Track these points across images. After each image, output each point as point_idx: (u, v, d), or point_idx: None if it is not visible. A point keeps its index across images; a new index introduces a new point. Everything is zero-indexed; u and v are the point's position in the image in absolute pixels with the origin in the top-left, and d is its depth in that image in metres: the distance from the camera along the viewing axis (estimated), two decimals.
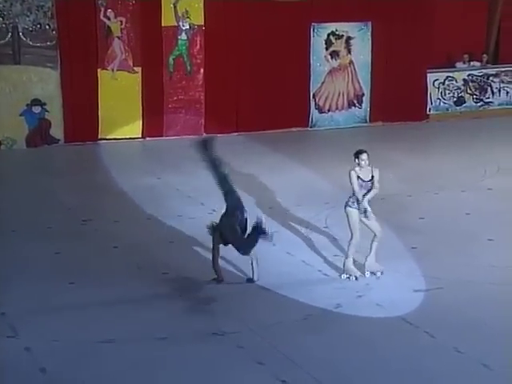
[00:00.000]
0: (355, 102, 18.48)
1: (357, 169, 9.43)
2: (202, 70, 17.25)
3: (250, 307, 8.87)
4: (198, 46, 17.13)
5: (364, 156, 9.41)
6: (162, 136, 17.13)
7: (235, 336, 8.14)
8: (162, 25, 16.90)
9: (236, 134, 17.39)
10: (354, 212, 9.47)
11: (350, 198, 9.55)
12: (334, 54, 18.17)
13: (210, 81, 17.25)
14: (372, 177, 9.44)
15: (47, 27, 16.29)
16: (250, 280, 9.52)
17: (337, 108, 18.40)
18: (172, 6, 16.87)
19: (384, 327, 8.33)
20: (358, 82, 18.39)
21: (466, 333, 8.10)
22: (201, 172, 14.37)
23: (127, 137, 16.94)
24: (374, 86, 18.30)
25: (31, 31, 16.17)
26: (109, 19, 16.61)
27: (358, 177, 9.42)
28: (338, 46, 18.15)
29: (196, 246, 10.75)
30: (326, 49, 18.08)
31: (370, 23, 18.03)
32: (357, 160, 9.46)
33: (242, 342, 8.01)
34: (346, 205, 9.54)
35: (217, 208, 12.27)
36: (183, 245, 10.84)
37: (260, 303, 8.99)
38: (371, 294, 9.13)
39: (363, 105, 18.48)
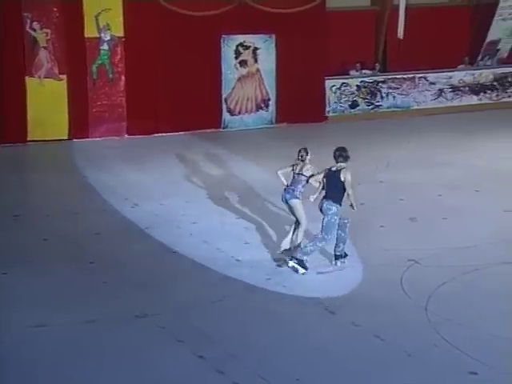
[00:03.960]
0: (262, 105, 18.55)
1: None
2: (123, 78, 17.06)
3: (170, 290, 8.77)
4: (119, 56, 16.95)
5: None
6: (87, 137, 16.86)
7: (157, 317, 8.04)
8: (85, 36, 16.64)
9: (156, 135, 17.24)
10: (300, 203, 9.46)
11: (294, 190, 9.45)
12: (243, 63, 18.19)
13: (130, 87, 17.07)
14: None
15: None
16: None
17: (246, 111, 18.44)
18: (94, 18, 16.62)
19: (290, 306, 8.37)
20: (265, 88, 18.48)
21: (362, 309, 8.21)
22: (124, 169, 14.33)
23: (55, 138, 16.58)
24: (279, 91, 18.40)
25: None
26: (34, 30, 16.27)
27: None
28: (246, 55, 18.18)
29: (120, 237, 10.60)
30: (236, 58, 18.08)
31: (273, 35, 18.12)
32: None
33: (162, 322, 7.93)
34: (293, 197, 9.45)
35: (139, 203, 12.21)
36: (109, 236, 10.67)
37: (180, 286, 8.90)
38: (279, 276, 9.16)
39: (269, 108, 18.56)
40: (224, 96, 18.11)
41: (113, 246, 10.28)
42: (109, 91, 16.99)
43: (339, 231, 9.28)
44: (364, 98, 19.46)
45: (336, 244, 9.38)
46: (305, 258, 9.17)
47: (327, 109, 19.08)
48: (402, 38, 19.37)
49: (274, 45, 18.20)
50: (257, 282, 8.95)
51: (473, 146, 15.83)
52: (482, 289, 8.63)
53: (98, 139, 16.75)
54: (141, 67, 17.00)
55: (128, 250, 10.06)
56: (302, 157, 9.57)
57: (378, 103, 19.55)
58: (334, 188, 9.18)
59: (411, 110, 19.62)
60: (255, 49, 18.16)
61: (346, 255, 9.49)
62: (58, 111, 16.56)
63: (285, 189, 9.63)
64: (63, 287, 8.89)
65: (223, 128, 18.18)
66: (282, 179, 9.69)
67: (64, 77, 16.65)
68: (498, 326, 7.64)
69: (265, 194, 12.55)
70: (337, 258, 9.46)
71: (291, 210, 9.64)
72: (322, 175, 9.35)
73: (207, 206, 12.02)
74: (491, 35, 20.29)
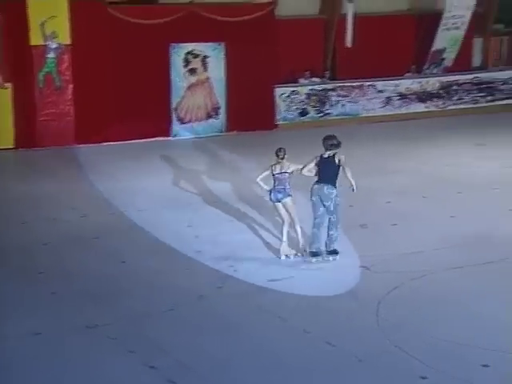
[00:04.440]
0: (212, 113, 18.56)
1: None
2: (70, 86, 16.91)
3: (121, 300, 8.70)
4: (66, 64, 16.80)
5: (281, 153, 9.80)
6: (34, 147, 16.62)
7: (107, 328, 7.97)
8: (31, 44, 16.45)
9: (105, 143, 17.09)
10: (292, 199, 9.80)
11: (285, 189, 9.72)
12: (192, 71, 18.17)
13: (79, 95, 16.93)
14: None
15: None
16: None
17: (196, 119, 18.41)
18: (40, 26, 16.43)
19: (242, 314, 8.37)
20: (215, 96, 18.48)
21: (313, 315, 8.26)
22: (72, 179, 14.18)
23: (0, 147, 16.33)
24: (229, 99, 18.43)
25: None
26: None
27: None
28: (196, 64, 18.17)
29: (69, 247, 10.48)
30: (185, 66, 18.06)
31: (223, 43, 18.16)
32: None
33: (113, 333, 7.85)
34: (287, 195, 9.74)
35: (88, 212, 12.09)
36: (58, 246, 10.54)
37: (131, 296, 8.83)
38: (230, 285, 9.16)
39: (220, 116, 18.57)
40: (174, 104, 18.07)
41: (62, 255, 10.16)
42: (56, 100, 16.82)
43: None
44: (314, 106, 19.63)
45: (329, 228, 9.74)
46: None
47: (277, 117, 19.20)
48: (350, 46, 19.66)
49: (223, 53, 18.24)
50: (209, 291, 8.94)
51: (419, 153, 16.10)
52: (429, 294, 8.77)
53: (45, 148, 16.53)
54: (89, 75, 16.86)
55: (77, 260, 9.96)
56: (279, 156, 9.80)
57: (327, 111, 19.74)
58: (330, 172, 9.54)
59: (360, 117, 19.87)
60: (205, 57, 18.17)
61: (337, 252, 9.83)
62: (2, 120, 16.34)
63: (271, 190, 9.86)
64: (10, 298, 8.74)
65: (173, 137, 18.14)
66: (262, 185, 9.98)
67: (9, 85, 16.46)
68: (444, 330, 7.77)
69: (216, 202, 12.56)
70: (330, 253, 9.79)
71: (283, 209, 9.87)
72: (314, 163, 9.63)
73: (158, 215, 11.96)
74: (436, 44, 20.68)
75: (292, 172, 9.84)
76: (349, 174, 9.62)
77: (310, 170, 9.71)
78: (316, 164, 9.65)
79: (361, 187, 10.95)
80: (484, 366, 7.12)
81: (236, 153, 16.32)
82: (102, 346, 7.61)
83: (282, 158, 9.83)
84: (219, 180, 14.01)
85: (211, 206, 12.33)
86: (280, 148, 9.92)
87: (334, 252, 9.80)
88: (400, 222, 11.33)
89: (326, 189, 9.56)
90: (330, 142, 9.62)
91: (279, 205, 9.91)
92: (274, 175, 9.88)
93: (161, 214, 11.96)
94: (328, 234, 9.81)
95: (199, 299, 8.72)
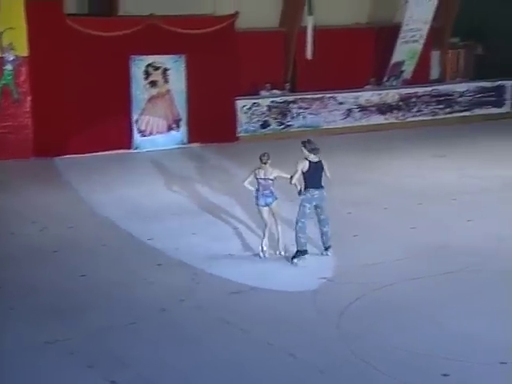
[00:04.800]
0: (174, 126, 18.51)
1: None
2: (28, 98, 16.72)
3: (81, 314, 8.60)
4: (24, 76, 16.62)
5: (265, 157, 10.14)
6: None
7: (67, 343, 7.86)
8: None
9: (65, 156, 16.92)
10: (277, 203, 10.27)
11: (272, 193, 10.11)
12: (153, 84, 18.12)
13: (37, 108, 16.74)
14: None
15: None
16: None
17: (157, 131, 18.35)
18: None
19: (205, 327, 8.34)
20: (176, 108, 18.44)
21: (276, 327, 8.26)
22: (30, 192, 14.00)
23: None
24: (190, 111, 18.40)
25: None
26: None
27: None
28: (156, 76, 18.12)
29: (28, 261, 10.33)
30: (145, 79, 18.00)
31: (183, 56, 18.15)
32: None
33: (73, 347, 7.75)
34: (274, 198, 10.15)
35: (47, 225, 11.94)
36: (16, 260, 10.39)
37: (91, 310, 8.73)
38: (192, 298, 9.12)
39: (181, 128, 18.53)
40: (135, 117, 17.99)
41: (20, 270, 10.01)
42: (14, 112, 16.63)
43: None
44: (275, 118, 19.70)
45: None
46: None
47: (239, 129, 19.22)
48: (310, 58, 19.80)
49: (184, 65, 18.22)
50: (170, 304, 8.89)
51: (380, 164, 16.25)
52: (390, 304, 8.82)
53: (3, 161, 16.26)
54: (48, 87, 16.70)
55: (36, 275, 9.82)
56: (263, 161, 10.10)
57: (288, 123, 19.83)
58: (321, 175, 10.06)
59: (321, 129, 19.98)
60: (165, 69, 18.13)
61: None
62: None
63: (258, 195, 10.17)
64: None
65: (134, 149, 18.04)
66: (250, 188, 10.33)
67: None
68: (406, 340, 7.83)
69: (178, 214, 12.52)
70: (327, 248, 10.37)
71: (269, 212, 10.19)
72: (300, 171, 9.92)
73: (118, 227, 11.87)
74: (395, 57, 20.94)
75: (275, 178, 10.15)
76: (328, 174, 10.20)
77: (299, 179, 10.02)
78: (308, 169, 9.96)
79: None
80: (444, 375, 7.18)
81: (197, 165, 16.30)
82: (62, 361, 7.51)
83: (265, 163, 10.10)
84: (180, 192, 13.97)
85: (173, 219, 12.27)
86: (264, 153, 10.21)
87: (330, 247, 10.37)
88: (361, 232, 11.40)
89: (323, 192, 10.09)
90: (313, 146, 10.09)
91: (266, 209, 10.19)
92: (257, 179, 10.19)
93: (122, 227, 11.86)
94: (323, 231, 10.33)
95: (161, 312, 8.66)
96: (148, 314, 8.63)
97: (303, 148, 10.08)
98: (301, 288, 9.37)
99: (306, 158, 10.02)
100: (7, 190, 14.05)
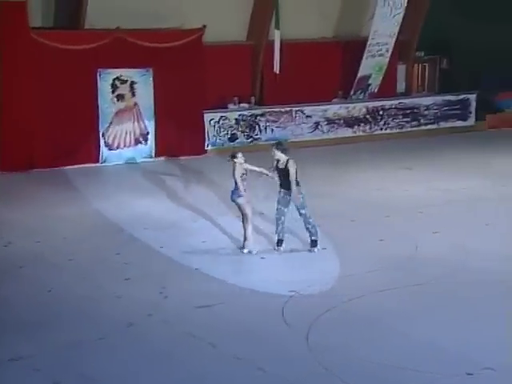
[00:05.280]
0: (141, 139, 18.45)
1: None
2: None
3: (48, 330, 8.48)
4: None
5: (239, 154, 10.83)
6: None
7: (32, 359, 7.75)
8: None
9: (32, 170, 16.76)
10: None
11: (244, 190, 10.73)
12: (120, 97, 18.05)
13: (4, 121, 16.55)
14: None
15: None
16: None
17: (124, 145, 18.27)
18: None
19: (172, 342, 8.27)
20: (143, 122, 18.39)
21: (244, 341, 8.23)
22: None
23: None
24: (158, 124, 18.37)
25: None
26: None
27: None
28: (123, 89, 18.05)
29: None
30: (113, 92, 17.92)
31: (151, 69, 18.11)
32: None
33: (39, 364, 7.64)
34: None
35: (13, 240, 11.79)
36: None
37: (58, 326, 8.61)
38: (160, 312, 9.06)
39: (148, 142, 18.47)
40: (102, 130, 17.89)
41: None
42: None
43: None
44: (243, 132, 19.73)
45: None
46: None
47: (206, 142, 19.21)
48: (278, 72, 19.89)
49: (151, 79, 18.19)
50: (139, 318, 8.81)
51: (348, 177, 16.35)
52: (359, 317, 8.84)
53: None
54: (14, 101, 16.55)
55: (2, 290, 9.67)
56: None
57: (256, 136, 19.87)
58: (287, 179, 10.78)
59: (289, 142, 20.04)
60: (132, 83, 18.08)
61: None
62: None
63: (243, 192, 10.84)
64: None
65: (102, 163, 17.94)
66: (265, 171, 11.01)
67: None
68: (375, 353, 7.85)
69: (146, 228, 12.44)
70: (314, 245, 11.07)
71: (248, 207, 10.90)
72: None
73: (85, 241, 11.77)
74: (362, 71, 21.13)
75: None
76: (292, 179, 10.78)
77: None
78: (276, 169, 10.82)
79: (289, 210, 11.07)
80: None
81: (164, 178, 16.24)
82: (27, 378, 7.39)
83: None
84: (148, 205, 13.89)
85: (141, 233, 12.20)
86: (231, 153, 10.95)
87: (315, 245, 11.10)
88: (329, 245, 11.43)
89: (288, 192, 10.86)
90: (284, 147, 10.90)
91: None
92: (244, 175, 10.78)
93: (88, 242, 11.76)
94: (314, 224, 10.99)
95: (129, 327, 8.58)
96: (116, 328, 8.55)
97: (275, 150, 10.77)
98: (269, 300, 9.35)
99: (278, 160, 10.73)
100: None
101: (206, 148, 19.20)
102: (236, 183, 10.76)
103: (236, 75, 19.74)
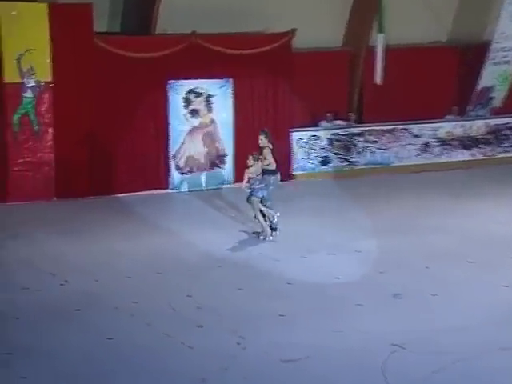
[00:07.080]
0: (217, 162, 18.63)
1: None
2: (50, 130, 17.01)
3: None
4: (46, 104, 16.87)
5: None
6: (6, 201, 16.63)
7: None
8: (5, 81, 16.58)
9: (90, 197, 17.13)
10: None
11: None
12: (194, 113, 18.32)
13: (60, 141, 17.01)
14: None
15: None
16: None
17: (198, 169, 18.49)
18: (15, 61, 16.57)
19: None
20: (220, 142, 18.58)
21: None
22: (50, 239, 14.19)
23: None
24: (237, 145, 18.48)
25: None
26: None
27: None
28: (198, 104, 18.31)
29: (46, 322, 10.44)
30: (186, 107, 18.20)
31: (231, 80, 18.33)
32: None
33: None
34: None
35: (69, 279, 12.08)
36: (31, 320, 10.50)
37: (117, 379, 8.76)
38: (238, 366, 9.09)
39: (226, 165, 18.65)
40: (172, 152, 18.19)
41: (36, 331, 10.11)
42: (33, 146, 16.89)
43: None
44: (337, 154, 19.72)
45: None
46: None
47: (294, 166, 19.28)
48: (380, 83, 19.83)
49: (231, 91, 18.42)
50: (213, 374, 8.85)
51: (463, 208, 16.14)
52: (473, 381, 8.65)
53: (19, 204, 16.48)
54: (73, 118, 16.96)
55: (55, 337, 9.90)
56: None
57: (353, 159, 19.82)
58: None
59: (392, 166, 19.95)
60: (209, 96, 18.35)
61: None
62: None
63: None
64: None
65: (171, 189, 18.21)
66: None
67: None
68: None
69: (221, 266, 12.55)
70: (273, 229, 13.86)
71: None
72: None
73: (149, 281, 11.96)
74: (483, 81, 20.82)
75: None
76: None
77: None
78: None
79: (392, 249, 11.01)
80: None
81: (243, 208, 16.33)
82: None
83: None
84: (224, 241, 13.99)
85: (216, 272, 12.32)
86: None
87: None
88: (441, 291, 11.28)
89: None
90: (269, 135, 14.07)
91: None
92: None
93: (154, 281, 11.94)
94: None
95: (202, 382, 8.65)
96: None
97: (264, 137, 13.93)
98: (368, 355, 9.27)
99: (267, 147, 13.81)
100: (22, 238, 14.22)
101: (292, 173, 19.26)
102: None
103: (330, 87, 19.75)
